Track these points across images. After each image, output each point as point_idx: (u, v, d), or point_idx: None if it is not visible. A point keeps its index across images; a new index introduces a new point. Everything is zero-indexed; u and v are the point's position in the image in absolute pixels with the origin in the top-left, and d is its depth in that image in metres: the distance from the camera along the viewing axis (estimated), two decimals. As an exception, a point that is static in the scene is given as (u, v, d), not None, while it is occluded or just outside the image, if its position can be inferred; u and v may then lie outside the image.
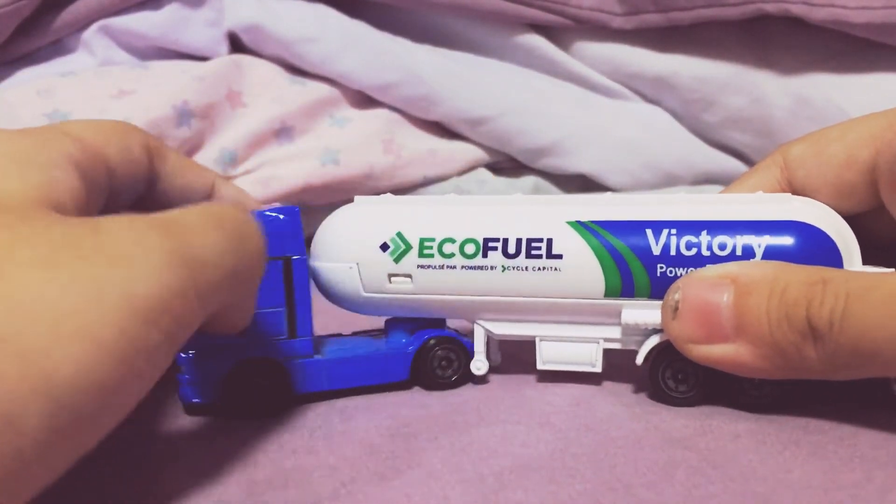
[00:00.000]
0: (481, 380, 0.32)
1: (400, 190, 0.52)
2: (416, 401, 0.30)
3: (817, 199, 0.29)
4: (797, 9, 0.48)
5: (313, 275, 0.32)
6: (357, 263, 0.31)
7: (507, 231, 0.30)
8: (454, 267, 0.30)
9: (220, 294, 0.23)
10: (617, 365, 0.31)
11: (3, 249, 0.18)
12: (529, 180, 0.54)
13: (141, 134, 0.29)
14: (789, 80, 0.51)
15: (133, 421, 0.24)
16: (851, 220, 0.28)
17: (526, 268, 0.29)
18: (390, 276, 0.31)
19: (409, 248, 0.30)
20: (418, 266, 0.30)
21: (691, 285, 0.27)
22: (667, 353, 0.28)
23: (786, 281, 0.25)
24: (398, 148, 0.51)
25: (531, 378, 0.32)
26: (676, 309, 0.27)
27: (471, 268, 0.30)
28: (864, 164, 0.29)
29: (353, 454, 0.26)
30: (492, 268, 0.30)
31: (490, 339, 0.32)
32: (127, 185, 0.28)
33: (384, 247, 0.31)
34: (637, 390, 0.31)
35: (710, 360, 0.26)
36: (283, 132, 0.50)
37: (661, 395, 0.29)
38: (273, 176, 0.49)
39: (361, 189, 0.51)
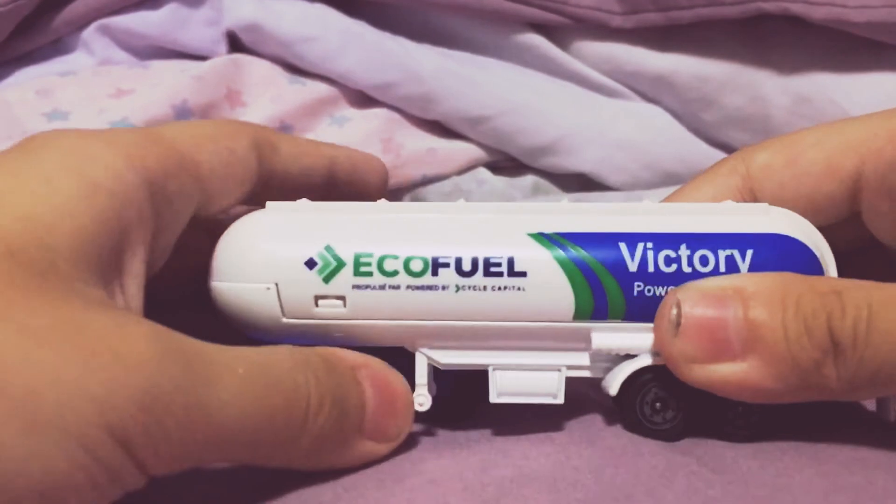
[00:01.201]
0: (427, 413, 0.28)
1: (400, 189, 0.52)
2: (417, 415, 0.28)
3: (789, 210, 0.28)
4: (797, 8, 0.48)
5: (214, 298, 0.27)
6: (276, 284, 0.26)
7: (461, 244, 0.26)
8: (397, 287, 0.26)
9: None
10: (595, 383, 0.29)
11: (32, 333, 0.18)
12: (529, 179, 0.54)
13: (249, 131, 0.28)
14: (789, 80, 0.51)
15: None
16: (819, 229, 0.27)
17: (484, 287, 0.26)
18: (317, 298, 0.26)
19: (341, 264, 0.26)
20: (354, 286, 0.26)
21: (693, 299, 0.24)
22: (644, 380, 0.26)
23: (798, 291, 0.23)
24: (397, 147, 0.51)
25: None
26: (678, 325, 0.24)
27: (418, 288, 0.26)
28: (846, 174, 0.27)
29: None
30: (443, 288, 0.26)
31: (432, 370, 0.28)
32: (228, 187, 0.27)
33: (310, 263, 0.26)
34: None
35: (713, 381, 0.24)
36: (282, 131, 0.50)
37: (638, 428, 0.26)
38: (272, 175, 0.49)
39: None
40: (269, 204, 0.28)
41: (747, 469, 0.24)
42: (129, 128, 0.25)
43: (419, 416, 0.27)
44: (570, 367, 0.27)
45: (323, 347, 0.25)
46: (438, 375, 0.28)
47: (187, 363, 0.20)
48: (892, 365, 0.22)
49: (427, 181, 0.52)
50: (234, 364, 0.21)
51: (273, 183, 0.29)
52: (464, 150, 0.53)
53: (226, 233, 0.27)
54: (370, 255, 0.26)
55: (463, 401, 0.29)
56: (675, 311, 0.24)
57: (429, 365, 0.27)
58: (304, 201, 0.28)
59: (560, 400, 0.27)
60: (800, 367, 0.23)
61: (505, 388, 0.27)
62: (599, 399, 0.29)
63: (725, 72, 0.51)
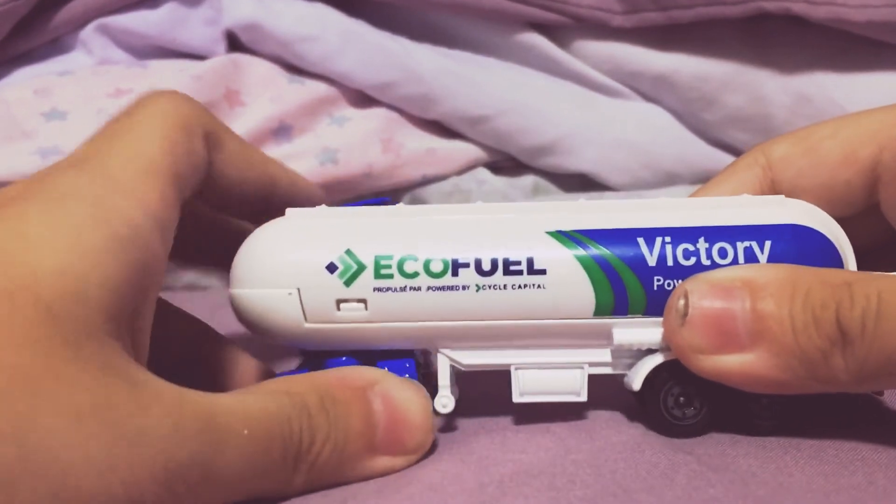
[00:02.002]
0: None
1: (399, 189, 0.52)
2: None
3: (808, 201, 0.28)
4: (798, 7, 0.48)
5: (236, 305, 0.27)
6: (298, 289, 0.26)
7: (480, 244, 0.26)
8: (418, 289, 0.26)
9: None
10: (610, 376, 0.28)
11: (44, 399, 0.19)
12: (529, 179, 0.54)
13: (202, 120, 0.27)
14: (790, 79, 0.51)
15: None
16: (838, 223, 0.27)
17: (504, 286, 0.26)
18: (339, 302, 0.26)
19: (362, 267, 0.26)
20: (375, 289, 0.26)
21: (701, 290, 0.24)
22: (667, 374, 0.26)
23: (807, 283, 0.23)
24: (397, 147, 0.51)
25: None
26: (685, 315, 0.24)
27: (438, 288, 0.26)
28: (863, 162, 0.27)
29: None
30: (464, 288, 0.26)
31: (454, 371, 0.28)
32: (191, 185, 0.27)
33: (331, 267, 0.26)
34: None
35: (721, 372, 0.24)
36: (281, 131, 0.50)
37: (662, 424, 0.26)
38: (272, 175, 0.49)
39: (360, 188, 0.51)
40: (288, 211, 0.28)
41: (748, 468, 0.24)
42: (132, 166, 0.24)
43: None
44: (592, 364, 0.27)
45: (332, 370, 0.25)
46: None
47: (200, 432, 0.21)
48: None
49: (427, 181, 0.52)
50: (240, 426, 0.22)
51: (211, 178, 0.28)
52: (464, 150, 0.53)
53: (245, 241, 0.27)
54: (390, 258, 0.26)
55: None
56: (682, 302, 0.24)
57: (451, 366, 0.27)
58: (322, 207, 0.28)
59: (583, 398, 0.27)
60: (807, 358, 0.23)
61: (527, 388, 0.27)
62: (620, 396, 0.28)
63: (726, 71, 0.51)
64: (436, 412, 0.27)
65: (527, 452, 0.25)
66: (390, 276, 0.26)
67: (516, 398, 0.27)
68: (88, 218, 0.22)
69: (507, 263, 0.26)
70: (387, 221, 0.27)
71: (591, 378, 0.27)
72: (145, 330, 0.23)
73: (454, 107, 0.51)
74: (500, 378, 0.30)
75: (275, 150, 0.50)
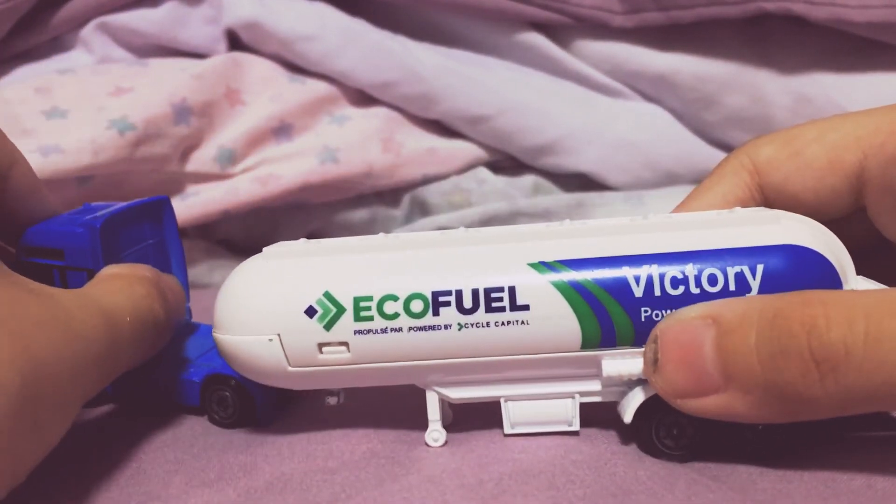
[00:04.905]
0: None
1: (399, 188, 0.52)
2: (417, 409, 0.28)
3: (795, 205, 0.27)
4: (798, 7, 0.48)
5: (222, 350, 0.27)
6: (278, 335, 0.26)
7: (460, 280, 0.25)
8: (399, 329, 0.25)
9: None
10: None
11: None
12: (529, 179, 0.54)
13: None
14: (790, 79, 0.51)
15: (129, 432, 0.24)
16: (826, 226, 0.26)
17: (487, 324, 0.25)
18: (321, 345, 0.26)
19: (341, 310, 0.25)
20: (355, 332, 0.25)
21: (669, 332, 0.23)
22: (657, 407, 0.25)
23: (774, 308, 0.22)
24: (397, 146, 0.51)
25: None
26: (657, 361, 0.23)
27: (420, 328, 0.25)
28: (849, 168, 0.27)
29: (352, 459, 0.26)
30: (446, 327, 0.25)
31: (442, 401, 0.27)
32: None
33: (310, 311, 0.25)
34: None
35: (703, 413, 0.23)
36: (281, 130, 0.50)
37: (655, 453, 0.25)
38: (272, 174, 0.49)
39: (361, 187, 0.51)
40: (265, 249, 0.28)
41: (747, 475, 0.24)
42: None
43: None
44: (583, 394, 0.26)
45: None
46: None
47: (102, 315, 0.25)
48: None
49: (427, 180, 0.52)
50: (124, 314, 0.27)
51: None
52: (464, 150, 0.53)
53: (225, 283, 0.27)
54: (370, 299, 0.25)
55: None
56: (654, 346, 0.24)
57: (440, 401, 0.27)
58: (301, 242, 0.28)
59: (575, 427, 0.26)
60: (778, 392, 0.22)
61: (518, 419, 0.26)
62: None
63: (726, 71, 0.51)
64: (427, 445, 0.27)
65: (527, 452, 0.25)
66: (370, 318, 0.25)
67: (508, 430, 0.27)
68: None
69: (489, 300, 0.25)
70: (366, 258, 0.26)
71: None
72: None
73: (454, 106, 0.51)
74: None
75: (275, 150, 0.50)
